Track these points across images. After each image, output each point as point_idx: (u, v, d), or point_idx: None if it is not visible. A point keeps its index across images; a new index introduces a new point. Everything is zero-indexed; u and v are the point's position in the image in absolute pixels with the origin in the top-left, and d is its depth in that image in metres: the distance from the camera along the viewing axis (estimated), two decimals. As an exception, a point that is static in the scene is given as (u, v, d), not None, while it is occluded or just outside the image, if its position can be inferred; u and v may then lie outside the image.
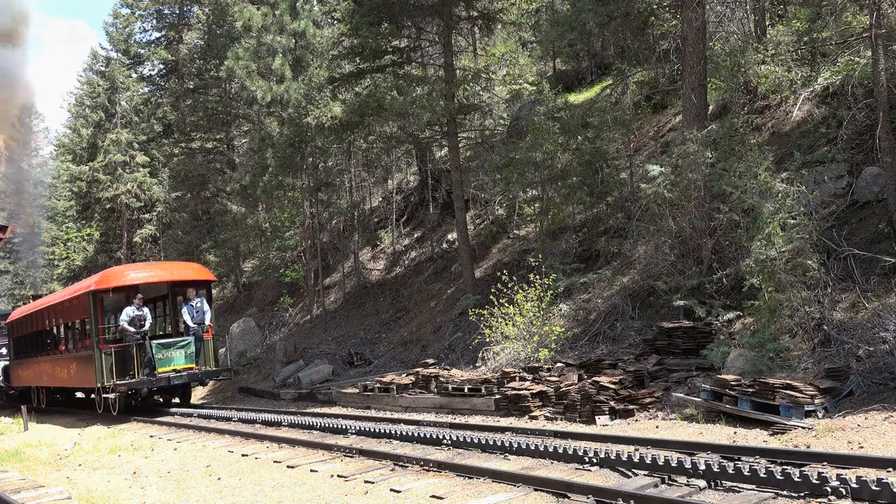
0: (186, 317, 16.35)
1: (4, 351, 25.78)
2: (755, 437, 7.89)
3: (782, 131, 13.81)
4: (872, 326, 9.33)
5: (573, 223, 16.10)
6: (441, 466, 7.65)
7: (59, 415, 19.47)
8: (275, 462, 9.20)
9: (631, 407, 9.77)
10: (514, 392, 10.91)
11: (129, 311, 15.77)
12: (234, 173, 24.98)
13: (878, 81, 10.48)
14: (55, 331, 20.35)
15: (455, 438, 8.86)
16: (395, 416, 12.11)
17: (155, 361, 15.53)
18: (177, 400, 17.70)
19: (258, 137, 22.41)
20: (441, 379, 12.72)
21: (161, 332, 18.77)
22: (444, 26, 17.18)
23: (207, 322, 16.54)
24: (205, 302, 16.64)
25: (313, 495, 7.30)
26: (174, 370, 15.61)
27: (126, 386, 15.39)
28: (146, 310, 16.23)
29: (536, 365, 11.81)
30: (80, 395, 21.94)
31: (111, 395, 15.69)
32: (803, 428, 7.83)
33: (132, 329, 15.66)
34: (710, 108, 14.36)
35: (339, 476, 7.90)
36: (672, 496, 5.80)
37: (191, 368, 15.80)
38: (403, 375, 13.78)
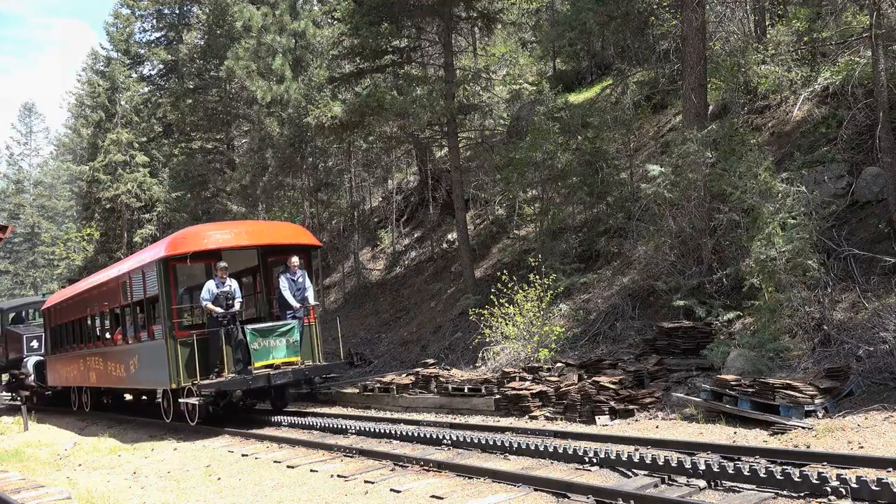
0: (286, 293, 12.59)
1: (36, 344, 22.33)
2: (755, 437, 7.89)
3: (782, 131, 13.80)
4: (872, 326, 9.33)
5: (573, 223, 16.10)
6: (441, 466, 7.65)
7: (69, 417, 19.36)
8: (275, 462, 9.20)
9: (631, 407, 9.76)
10: (514, 392, 10.91)
11: (211, 287, 12.18)
12: (234, 173, 25.01)
13: (878, 81, 10.48)
14: (105, 317, 16.44)
15: (455, 438, 8.86)
16: (395, 416, 12.10)
17: (251, 353, 11.99)
18: (248, 404, 13.92)
19: (258, 137, 22.43)
20: (441, 379, 12.72)
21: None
22: (444, 26, 17.17)
23: (312, 301, 13.05)
24: (306, 274, 13.13)
25: (313, 495, 7.30)
26: (274, 365, 12.08)
27: (213, 387, 11.72)
28: (234, 283, 12.52)
29: (536, 365, 11.80)
30: (128, 396, 19.12)
31: (192, 400, 12.00)
32: (803, 428, 7.82)
33: (219, 310, 12.07)
34: (710, 108, 14.36)
35: (339, 476, 7.89)
36: (672, 496, 5.79)
37: (295, 363, 12.25)
38: (403, 375, 13.78)
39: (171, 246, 12.60)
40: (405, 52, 19.05)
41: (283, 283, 12.63)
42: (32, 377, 21.52)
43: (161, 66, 35.17)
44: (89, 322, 17.28)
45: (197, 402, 11.92)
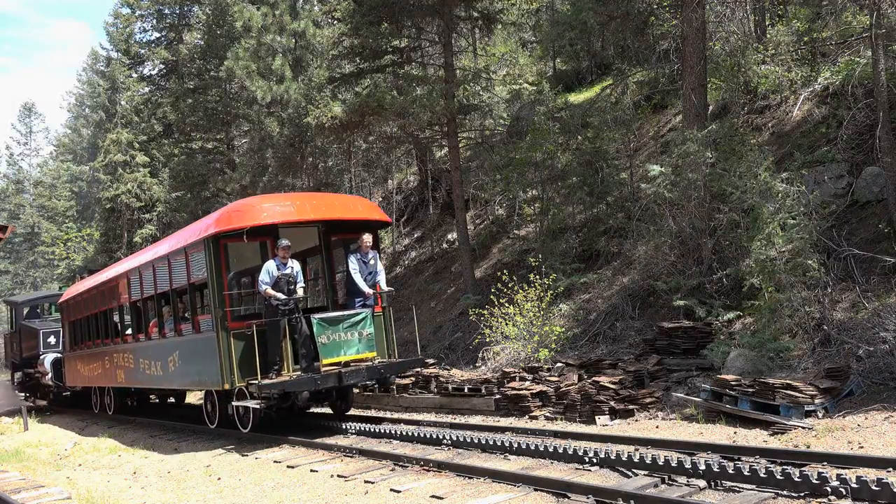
0: (357, 276, 10.91)
1: (54, 340, 20.77)
2: (755, 437, 7.89)
3: (782, 131, 13.81)
4: (872, 326, 9.33)
5: (573, 223, 16.11)
6: (441, 466, 7.65)
7: (76, 418, 19.32)
8: (275, 462, 9.20)
9: (631, 407, 9.77)
10: (514, 392, 10.91)
11: (271, 268, 10.39)
12: (234, 173, 25.01)
13: (878, 81, 10.48)
14: (136, 308, 14.31)
15: (455, 438, 8.86)
16: (395, 415, 12.10)
17: (317, 348, 10.21)
18: (310, 408, 12.05)
19: (258, 137, 22.43)
20: (441, 379, 12.72)
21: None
22: (444, 26, 17.18)
23: (384, 286, 11.33)
24: (378, 256, 11.49)
25: (313, 495, 7.29)
26: (345, 362, 10.37)
27: (278, 388, 9.89)
28: (297, 265, 10.76)
29: (536, 365, 11.80)
30: (153, 398, 17.83)
31: (250, 403, 10.27)
32: (803, 428, 7.83)
33: (280, 296, 10.32)
34: (710, 108, 14.37)
35: (339, 476, 7.89)
36: (672, 496, 5.79)
37: (369, 359, 10.62)
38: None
39: (224, 220, 10.67)
40: (405, 52, 19.07)
41: (353, 265, 10.95)
42: (50, 375, 19.98)
43: (161, 66, 35.15)
44: (116, 315, 15.42)
45: (257, 406, 10.16)
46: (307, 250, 12.30)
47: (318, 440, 9.96)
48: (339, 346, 10.31)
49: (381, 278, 11.28)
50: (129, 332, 14.84)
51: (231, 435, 11.23)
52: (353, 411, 12.96)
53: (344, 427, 10.70)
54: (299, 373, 10.33)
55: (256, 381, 9.98)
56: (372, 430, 10.24)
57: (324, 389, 10.38)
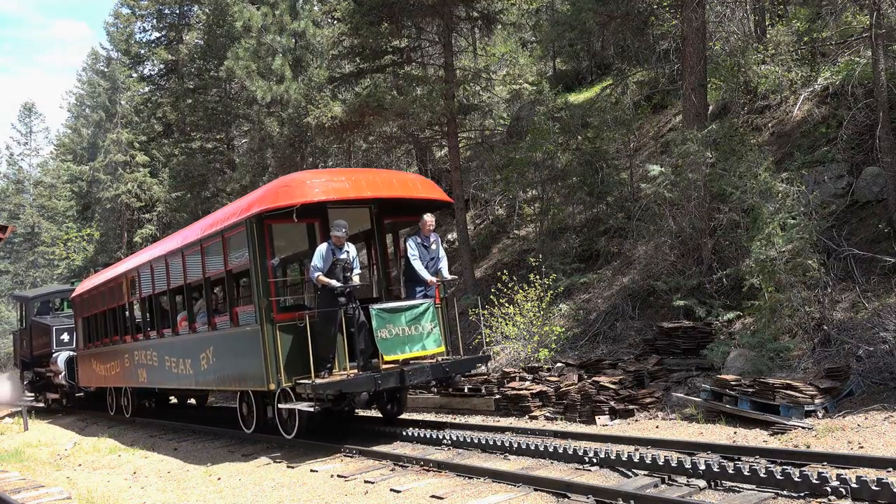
0: (417, 263, 9.79)
1: (67, 337, 19.60)
2: (755, 437, 7.89)
3: (782, 131, 13.81)
4: (872, 326, 9.33)
5: (573, 223, 16.11)
6: (441, 466, 7.65)
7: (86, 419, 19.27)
8: (275, 462, 9.19)
9: (631, 407, 9.77)
10: (514, 392, 10.91)
11: (324, 252, 9.27)
12: (234, 173, 25.00)
13: (878, 81, 10.48)
14: (161, 301, 13.25)
15: (455, 438, 8.86)
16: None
17: (377, 343, 9.04)
18: (355, 411, 11.10)
19: (258, 137, 22.41)
20: (441, 379, 12.69)
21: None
22: (444, 26, 17.18)
23: (446, 274, 10.20)
24: (440, 241, 10.35)
25: (313, 495, 7.29)
26: (407, 359, 9.23)
27: (335, 389, 8.74)
28: (352, 249, 9.60)
29: (536, 365, 11.80)
30: (172, 398, 16.85)
31: (301, 406, 9.04)
32: (803, 428, 7.83)
33: (336, 283, 9.16)
34: (710, 108, 14.37)
35: (338, 476, 7.89)
36: (672, 496, 5.79)
37: (435, 355, 9.58)
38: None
39: (269, 196, 9.45)
40: (405, 52, 19.06)
41: (413, 250, 9.79)
42: (64, 374, 18.84)
43: (161, 66, 35.15)
44: (137, 309, 14.42)
45: (310, 410, 8.89)
46: (354, 235, 10.58)
47: (376, 448, 8.86)
48: (403, 342, 9.12)
49: (444, 265, 10.12)
50: (152, 327, 13.66)
51: (265, 441, 10.27)
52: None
53: (395, 430, 9.90)
54: (356, 371, 9.14)
55: (308, 381, 8.84)
56: (372, 430, 10.24)
57: (385, 390, 9.32)
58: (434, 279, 9.89)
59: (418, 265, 9.78)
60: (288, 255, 11.35)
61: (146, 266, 13.47)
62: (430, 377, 9.36)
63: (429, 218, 10.01)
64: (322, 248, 9.30)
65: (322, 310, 9.15)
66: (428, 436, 9.33)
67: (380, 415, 11.29)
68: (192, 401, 17.34)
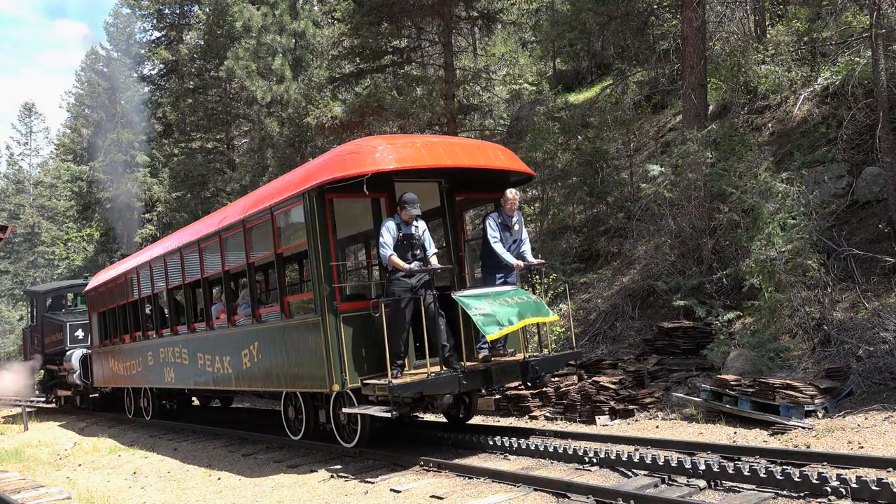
0: (497, 246, 8.55)
1: (82, 334, 18.52)
2: (755, 437, 7.89)
3: (782, 131, 13.81)
4: (872, 326, 9.33)
5: (573, 223, 16.11)
6: (441, 466, 7.64)
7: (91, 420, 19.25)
8: (275, 462, 9.20)
9: (631, 407, 9.77)
10: (514, 392, 10.90)
11: (392, 228, 8.00)
12: (234, 173, 25.01)
13: (878, 81, 10.48)
14: (192, 291, 11.98)
15: (455, 438, 8.86)
16: (395, 416, 12.01)
17: (475, 321, 7.56)
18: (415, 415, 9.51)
19: (258, 137, 22.43)
20: (441, 379, 12.64)
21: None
22: (444, 26, 17.19)
23: (530, 258, 8.85)
24: (523, 220, 9.04)
25: (313, 495, 7.29)
26: (520, 327, 7.93)
27: (414, 390, 7.48)
28: (422, 224, 8.25)
29: (536, 365, 11.75)
30: (195, 400, 15.61)
31: (374, 411, 7.72)
32: (803, 428, 7.82)
33: (414, 266, 7.87)
34: (710, 108, 14.37)
35: (338, 476, 7.89)
36: (672, 496, 5.79)
37: (545, 324, 8.73)
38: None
39: (334, 165, 8.08)
40: (405, 52, 19.06)
41: (493, 231, 8.54)
42: (78, 373, 17.82)
43: (161, 66, 35.17)
44: (163, 302, 13.19)
45: (386, 415, 7.51)
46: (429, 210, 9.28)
47: (459, 461, 7.76)
48: (508, 314, 7.58)
49: (527, 248, 8.83)
50: (181, 321, 12.43)
51: (316, 449, 9.17)
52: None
53: (472, 439, 8.74)
54: (437, 369, 7.69)
55: (379, 381, 7.67)
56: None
57: (470, 391, 8.27)
58: (520, 262, 8.61)
59: (500, 248, 8.50)
60: (349, 235, 10.01)
61: (174, 254, 12.05)
62: (518, 377, 8.25)
63: (512, 194, 8.64)
64: (388, 223, 8.01)
65: (388, 298, 7.79)
66: (428, 435, 9.29)
67: (433, 419, 10.06)
68: (217, 402, 16.25)
